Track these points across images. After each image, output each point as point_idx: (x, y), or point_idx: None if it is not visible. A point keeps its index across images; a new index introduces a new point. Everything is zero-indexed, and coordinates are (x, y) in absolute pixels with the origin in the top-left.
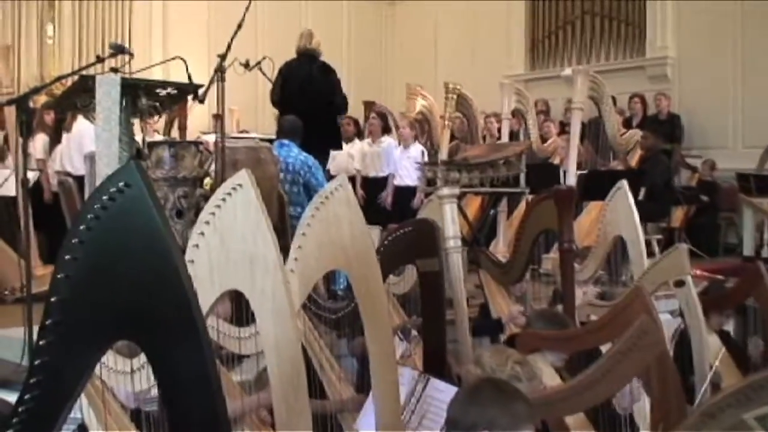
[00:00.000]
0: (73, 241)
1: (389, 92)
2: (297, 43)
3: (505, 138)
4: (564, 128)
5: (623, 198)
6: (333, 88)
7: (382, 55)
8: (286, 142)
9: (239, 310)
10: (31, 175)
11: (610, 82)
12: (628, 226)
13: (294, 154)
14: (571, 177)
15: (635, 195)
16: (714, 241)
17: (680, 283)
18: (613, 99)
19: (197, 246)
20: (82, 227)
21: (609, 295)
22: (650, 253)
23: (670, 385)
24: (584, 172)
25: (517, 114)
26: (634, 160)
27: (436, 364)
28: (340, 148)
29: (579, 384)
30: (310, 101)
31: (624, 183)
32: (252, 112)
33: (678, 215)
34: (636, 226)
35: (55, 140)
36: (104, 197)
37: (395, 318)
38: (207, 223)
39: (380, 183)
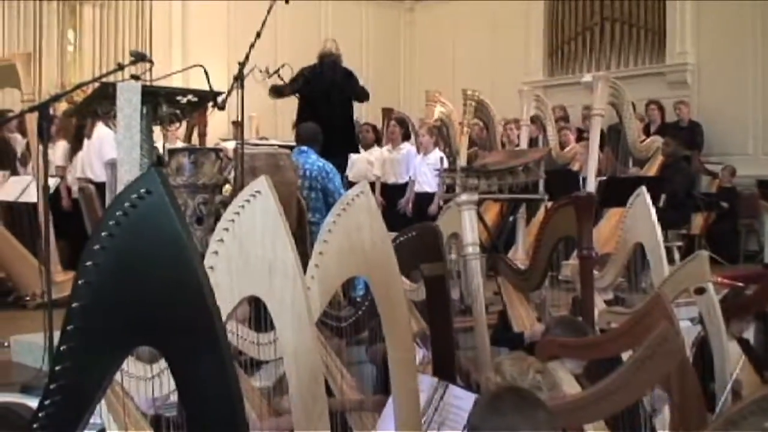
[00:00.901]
0: (94, 247)
1: (408, 98)
2: (321, 50)
3: (524, 144)
4: (582, 135)
5: (643, 205)
6: (354, 93)
7: (401, 62)
8: (304, 148)
9: (258, 316)
10: (52, 182)
11: (630, 88)
12: (649, 233)
13: (312, 160)
14: (590, 183)
15: (655, 202)
16: (734, 248)
17: (700, 291)
18: (633, 105)
19: (216, 252)
20: (103, 234)
21: (629, 303)
22: (670, 261)
23: (690, 393)
24: (604, 178)
25: (536, 120)
26: (654, 167)
27: (444, 369)
28: (357, 151)
29: (598, 392)
30: (334, 107)
31: (644, 190)
32: (271, 119)
33: (698, 222)
34: (656, 233)
35: (75, 147)
36: (125, 204)
37: (414, 325)
38: (226, 229)
39: (400, 189)
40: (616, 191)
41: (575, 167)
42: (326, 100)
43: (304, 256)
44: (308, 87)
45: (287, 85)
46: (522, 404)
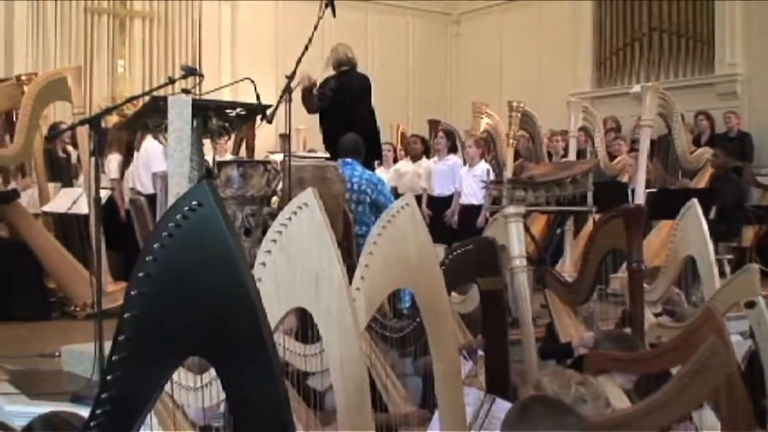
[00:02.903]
0: (147, 258)
1: (454, 110)
2: (338, 57)
3: (572, 156)
4: (633, 146)
5: (694, 217)
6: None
7: (447, 73)
8: (349, 160)
9: (305, 327)
10: (103, 194)
11: (679, 99)
12: (700, 246)
13: (358, 172)
14: (639, 195)
15: (706, 214)
16: None
17: (751, 304)
18: (682, 116)
19: (264, 264)
20: (156, 245)
21: (679, 315)
22: (721, 274)
23: (739, 408)
24: (653, 190)
25: (584, 131)
26: (704, 179)
27: (499, 384)
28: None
29: (646, 407)
30: (357, 113)
31: (695, 202)
32: (318, 131)
33: (749, 235)
34: (707, 245)
35: (128, 160)
36: (177, 216)
37: (460, 337)
38: (274, 241)
39: (446, 201)
40: (665, 203)
41: (624, 179)
42: (353, 107)
43: (351, 269)
44: (338, 95)
45: (324, 100)
46: (551, 411)
